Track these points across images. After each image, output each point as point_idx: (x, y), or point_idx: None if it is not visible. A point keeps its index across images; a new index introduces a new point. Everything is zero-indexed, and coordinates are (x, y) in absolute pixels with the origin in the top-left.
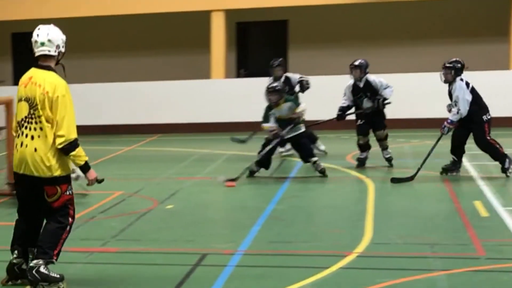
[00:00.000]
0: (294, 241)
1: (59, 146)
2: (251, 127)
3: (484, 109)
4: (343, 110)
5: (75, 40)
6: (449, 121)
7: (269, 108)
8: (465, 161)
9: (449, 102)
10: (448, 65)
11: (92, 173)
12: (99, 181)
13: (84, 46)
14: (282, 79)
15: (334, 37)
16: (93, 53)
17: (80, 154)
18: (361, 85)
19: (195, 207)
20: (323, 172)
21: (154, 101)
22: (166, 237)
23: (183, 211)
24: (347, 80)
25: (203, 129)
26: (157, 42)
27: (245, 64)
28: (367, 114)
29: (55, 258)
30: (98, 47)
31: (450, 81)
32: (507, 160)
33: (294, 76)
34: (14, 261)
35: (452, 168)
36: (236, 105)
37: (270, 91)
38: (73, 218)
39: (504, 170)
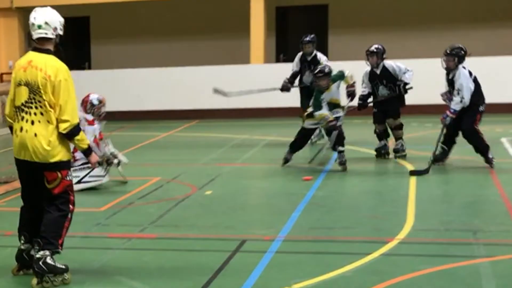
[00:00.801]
0: (335, 227)
1: (64, 131)
2: (291, 113)
3: (482, 99)
4: (363, 99)
5: (113, 26)
6: (451, 110)
7: (319, 93)
8: (508, 147)
9: (442, 90)
10: (451, 52)
11: (95, 157)
12: (100, 163)
13: (123, 32)
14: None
15: (375, 21)
16: (132, 39)
17: (83, 138)
18: (378, 71)
19: (234, 193)
20: (343, 164)
21: (193, 86)
22: (205, 223)
23: (222, 197)
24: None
25: (242, 115)
26: (196, 27)
27: (285, 49)
28: (382, 102)
29: (60, 248)
30: (137, 32)
31: (452, 69)
32: (489, 152)
33: (323, 57)
34: (22, 247)
35: (441, 158)
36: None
37: (319, 75)
38: (73, 205)
39: (488, 161)
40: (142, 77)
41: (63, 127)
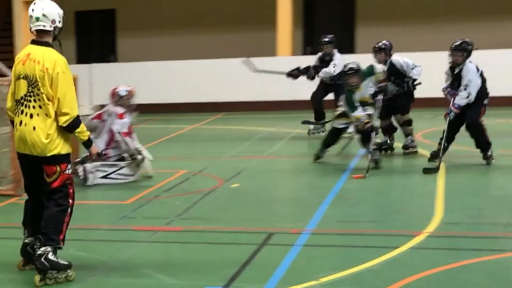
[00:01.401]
0: (363, 221)
1: (64, 124)
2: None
3: (486, 94)
4: (373, 96)
5: (139, 18)
6: (456, 105)
7: (351, 93)
8: None
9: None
10: (459, 47)
11: (95, 148)
12: (100, 155)
13: (149, 24)
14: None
15: (403, 13)
16: (158, 31)
17: (84, 130)
18: (385, 68)
19: (261, 186)
20: (376, 163)
21: (219, 79)
22: (231, 216)
23: (249, 189)
24: (417, 58)
25: (269, 107)
26: (223, 19)
27: (312, 41)
28: (389, 98)
29: (62, 243)
30: (163, 24)
31: (459, 64)
32: (489, 149)
33: (338, 56)
34: (26, 241)
35: (439, 153)
36: (303, 83)
37: (350, 73)
38: (73, 199)
39: (486, 157)
40: (168, 70)
41: (63, 120)
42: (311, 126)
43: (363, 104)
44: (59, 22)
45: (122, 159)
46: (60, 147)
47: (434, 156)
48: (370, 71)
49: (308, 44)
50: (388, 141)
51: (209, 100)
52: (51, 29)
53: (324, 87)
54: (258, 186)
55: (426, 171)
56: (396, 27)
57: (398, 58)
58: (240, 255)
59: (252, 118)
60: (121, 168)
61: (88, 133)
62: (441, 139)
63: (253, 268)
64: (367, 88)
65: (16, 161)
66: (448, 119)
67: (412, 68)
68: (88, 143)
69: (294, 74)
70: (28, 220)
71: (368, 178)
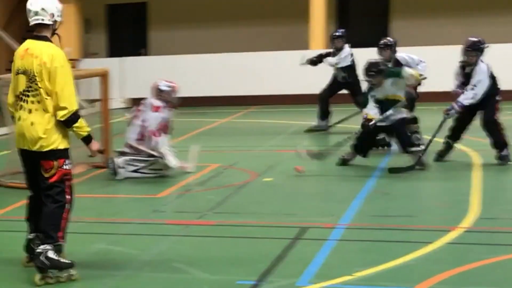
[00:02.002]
0: (398, 215)
1: (62, 118)
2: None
3: (498, 89)
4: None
5: (170, 12)
6: (459, 104)
7: (370, 89)
8: None
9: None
10: (475, 47)
11: (95, 144)
12: (101, 152)
13: (181, 18)
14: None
15: (439, 5)
16: (190, 24)
17: (83, 125)
18: (391, 65)
19: (294, 180)
20: (422, 165)
21: (251, 72)
22: (265, 210)
23: (282, 183)
24: (452, 52)
25: (302, 101)
26: (256, 13)
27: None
28: None
29: (61, 240)
30: (195, 18)
31: (472, 63)
32: (506, 149)
33: (346, 49)
34: (30, 236)
35: (444, 153)
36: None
37: (371, 73)
38: (70, 195)
39: (502, 157)
40: (200, 63)
41: (61, 114)
42: (314, 123)
43: (391, 102)
44: (58, 16)
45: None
46: (58, 142)
47: (441, 155)
48: (397, 73)
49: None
50: (386, 138)
51: (241, 93)
52: (50, 23)
53: (334, 86)
54: (291, 180)
55: (392, 170)
56: (432, 19)
57: (403, 54)
58: (273, 250)
59: (284, 112)
60: (152, 163)
61: (88, 128)
62: (447, 136)
63: (286, 263)
64: (391, 87)
65: None
66: (445, 117)
67: (417, 64)
68: (87, 139)
69: (313, 61)
70: (31, 215)
71: (406, 174)
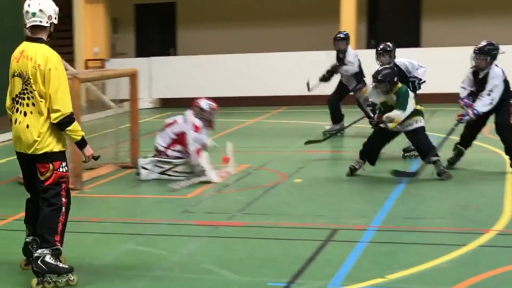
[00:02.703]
0: (429, 217)
1: (55, 121)
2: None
3: (510, 94)
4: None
5: (199, 11)
6: (475, 111)
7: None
8: None
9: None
10: (483, 50)
11: (89, 149)
12: (95, 158)
13: (209, 17)
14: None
15: (471, 5)
16: (219, 24)
17: (77, 128)
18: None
19: (324, 181)
20: (440, 175)
21: (280, 72)
22: (294, 211)
23: (312, 185)
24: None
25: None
26: (285, 12)
27: (376, 35)
28: None
29: (58, 244)
30: (224, 18)
31: (483, 68)
32: None
33: (352, 53)
34: (27, 239)
35: (455, 160)
36: (366, 77)
37: (378, 81)
38: (66, 197)
39: None
40: (228, 63)
41: (54, 116)
42: (327, 127)
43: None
44: (55, 18)
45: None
46: (52, 144)
47: (452, 162)
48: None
49: (372, 38)
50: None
51: (271, 93)
52: (47, 25)
53: (342, 89)
54: (321, 181)
55: (399, 174)
56: (464, 19)
57: (403, 60)
58: (304, 251)
59: (314, 112)
60: (177, 166)
61: (82, 133)
62: (458, 143)
63: (317, 265)
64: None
65: (75, 155)
66: (458, 122)
67: (417, 69)
68: (81, 144)
69: (324, 77)
70: (29, 218)
71: (434, 173)
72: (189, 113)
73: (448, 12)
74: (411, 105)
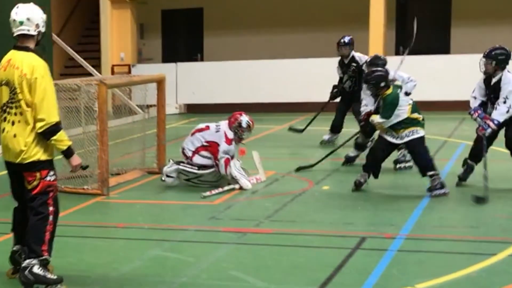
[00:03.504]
0: (459, 226)
1: (40, 130)
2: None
3: None
4: (370, 114)
5: (226, 17)
6: (495, 122)
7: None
8: None
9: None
10: (489, 55)
11: (76, 159)
12: (84, 168)
13: (236, 23)
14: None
15: (501, 13)
16: (245, 30)
17: (62, 138)
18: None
19: (352, 189)
20: (431, 190)
21: (309, 78)
22: (322, 219)
23: (340, 192)
24: None
25: None
26: (313, 18)
27: (405, 41)
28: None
29: (46, 254)
30: (251, 24)
31: (490, 73)
32: None
33: (362, 57)
34: (14, 248)
35: (467, 176)
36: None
37: (364, 81)
38: (54, 206)
39: None
40: (255, 69)
41: (39, 126)
42: (326, 137)
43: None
44: (43, 26)
45: (204, 167)
46: (40, 153)
47: (464, 178)
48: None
49: (400, 44)
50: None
51: (297, 100)
52: (35, 33)
53: (346, 97)
54: (348, 189)
55: (479, 200)
56: (493, 26)
57: (391, 72)
58: (332, 259)
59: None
60: (202, 175)
61: (68, 142)
62: (468, 158)
63: (345, 273)
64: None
65: (102, 160)
66: (482, 134)
67: (406, 83)
68: (67, 153)
69: (333, 95)
70: (16, 227)
71: (463, 184)
72: (224, 124)
73: (478, 18)
74: (403, 113)
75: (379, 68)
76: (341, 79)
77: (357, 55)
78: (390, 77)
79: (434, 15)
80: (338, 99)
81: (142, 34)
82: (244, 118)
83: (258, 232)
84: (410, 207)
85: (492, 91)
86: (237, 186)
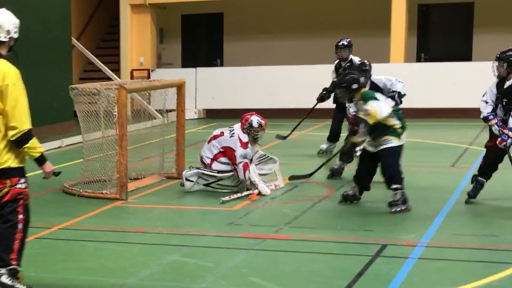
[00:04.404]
0: (480, 234)
1: (12, 138)
2: (431, 114)
3: None
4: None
5: (246, 22)
6: None
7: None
8: None
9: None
10: (500, 57)
11: (49, 166)
12: (56, 174)
13: (256, 28)
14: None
15: None
16: (265, 36)
17: (35, 145)
18: (367, 88)
19: (371, 195)
20: (391, 206)
21: (328, 85)
22: (342, 225)
23: (360, 199)
24: None
25: None
26: (334, 24)
27: (427, 48)
28: None
29: (14, 263)
30: (270, 29)
31: (503, 76)
32: None
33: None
34: None
35: (477, 193)
36: (416, 90)
37: (335, 86)
38: (24, 214)
39: None
40: (275, 75)
41: (11, 134)
42: (324, 146)
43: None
44: (15, 32)
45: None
46: (10, 161)
47: (473, 195)
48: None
49: (422, 51)
50: (344, 167)
51: (318, 106)
52: (6, 40)
53: (338, 103)
54: (369, 195)
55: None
56: None
57: (380, 76)
58: (352, 266)
59: None
60: (221, 179)
61: (41, 149)
62: (478, 175)
63: (366, 280)
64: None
65: (121, 165)
66: (504, 148)
67: (396, 84)
68: (40, 160)
69: (321, 98)
70: None
71: (484, 191)
72: (237, 127)
73: (500, 25)
74: (384, 112)
75: (351, 71)
76: (333, 83)
77: (356, 59)
78: (381, 84)
79: (456, 22)
80: (333, 105)
81: (161, 39)
82: (255, 118)
83: (277, 238)
84: (431, 215)
85: (504, 95)
86: (256, 192)
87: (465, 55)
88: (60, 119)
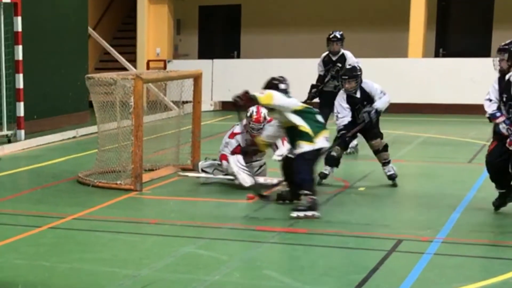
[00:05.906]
0: (497, 231)
1: None
2: (450, 110)
3: None
4: (347, 128)
5: (264, 15)
6: None
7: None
8: None
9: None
10: (501, 49)
11: None
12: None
13: (274, 21)
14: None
15: None
16: (283, 28)
17: None
18: (358, 95)
19: (389, 190)
20: (294, 210)
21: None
22: (358, 220)
23: (377, 193)
24: None
25: (396, 110)
26: (353, 18)
27: (445, 43)
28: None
29: None
30: (288, 22)
31: (505, 70)
32: None
33: (352, 58)
34: None
35: (503, 202)
36: (434, 86)
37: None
38: None
39: None
40: (292, 67)
41: None
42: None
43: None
44: None
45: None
46: None
47: (499, 206)
48: None
49: (440, 46)
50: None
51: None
52: None
53: (329, 98)
54: (385, 190)
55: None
56: None
57: (368, 81)
58: (367, 261)
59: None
60: (226, 174)
61: None
62: (499, 186)
63: (381, 275)
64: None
65: (136, 155)
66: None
67: (380, 97)
68: None
69: (312, 96)
70: None
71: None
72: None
73: None
74: (282, 100)
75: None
76: (320, 77)
77: (348, 53)
78: (368, 89)
79: (476, 18)
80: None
81: (178, 30)
82: (253, 109)
83: (292, 231)
84: (447, 211)
85: (504, 90)
86: (237, 182)
87: (484, 51)
88: (76, 109)
